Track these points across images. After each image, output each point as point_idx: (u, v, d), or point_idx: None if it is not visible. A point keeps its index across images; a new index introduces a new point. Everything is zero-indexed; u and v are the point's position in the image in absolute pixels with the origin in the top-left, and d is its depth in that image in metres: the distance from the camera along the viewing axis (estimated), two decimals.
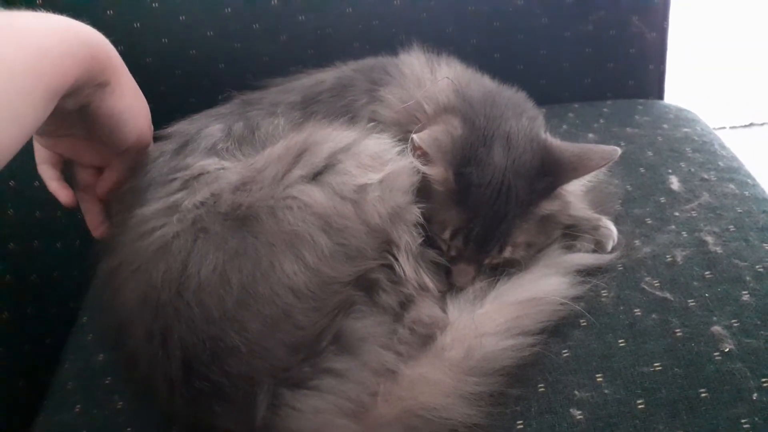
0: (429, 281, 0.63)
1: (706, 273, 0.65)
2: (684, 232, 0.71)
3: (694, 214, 0.73)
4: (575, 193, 0.68)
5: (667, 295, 0.64)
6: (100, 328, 0.74)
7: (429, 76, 0.72)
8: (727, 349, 0.57)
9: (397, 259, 0.60)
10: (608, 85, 1.04)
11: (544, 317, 0.61)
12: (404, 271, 0.61)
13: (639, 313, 0.62)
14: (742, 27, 2.14)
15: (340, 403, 0.54)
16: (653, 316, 0.62)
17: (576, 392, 0.57)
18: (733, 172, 0.81)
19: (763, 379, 0.55)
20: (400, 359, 0.57)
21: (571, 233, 0.69)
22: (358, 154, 0.61)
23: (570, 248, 0.68)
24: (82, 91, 0.55)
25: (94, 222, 0.70)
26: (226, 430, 0.55)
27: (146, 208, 0.61)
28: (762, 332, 0.58)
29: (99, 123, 0.60)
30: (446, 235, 0.65)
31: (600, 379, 0.58)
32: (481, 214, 0.63)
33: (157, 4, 0.95)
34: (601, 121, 0.96)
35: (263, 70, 0.79)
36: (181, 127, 0.71)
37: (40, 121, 0.50)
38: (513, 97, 0.71)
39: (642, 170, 0.82)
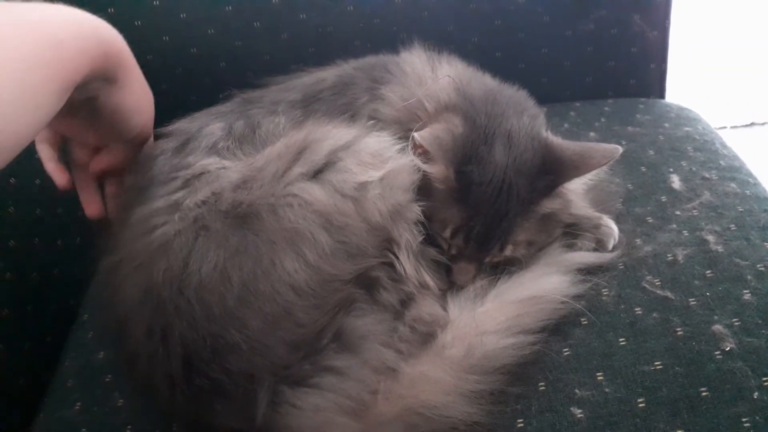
0: (429, 279, 0.63)
1: (707, 272, 0.65)
2: (685, 231, 0.70)
3: (696, 213, 0.73)
4: (576, 191, 0.68)
5: (668, 293, 0.64)
6: (101, 326, 0.74)
7: (430, 75, 0.72)
8: (728, 348, 0.57)
9: (397, 257, 0.60)
10: (609, 83, 1.04)
11: (544, 316, 0.61)
12: (405, 269, 0.61)
13: (640, 312, 0.62)
14: (743, 27, 2.14)
15: (340, 401, 0.54)
16: (654, 314, 0.62)
17: (576, 391, 0.57)
18: (734, 171, 0.81)
19: (764, 378, 0.55)
20: (400, 357, 0.57)
21: (572, 232, 0.69)
22: (359, 151, 0.61)
23: (571, 247, 0.68)
24: (90, 85, 0.55)
25: (89, 199, 0.70)
26: (227, 428, 0.55)
27: (147, 206, 0.61)
28: (763, 331, 0.58)
29: (103, 115, 0.60)
30: (447, 233, 0.65)
31: (601, 378, 0.58)
32: (482, 212, 0.63)
33: (158, 2, 0.95)
34: (603, 120, 0.96)
35: (264, 68, 0.78)
36: (182, 126, 0.71)
37: (53, 113, 0.50)
38: (514, 95, 0.71)
39: (643, 169, 0.82)
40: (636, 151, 0.86)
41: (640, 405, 0.55)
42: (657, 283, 0.65)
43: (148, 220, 0.60)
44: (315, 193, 0.58)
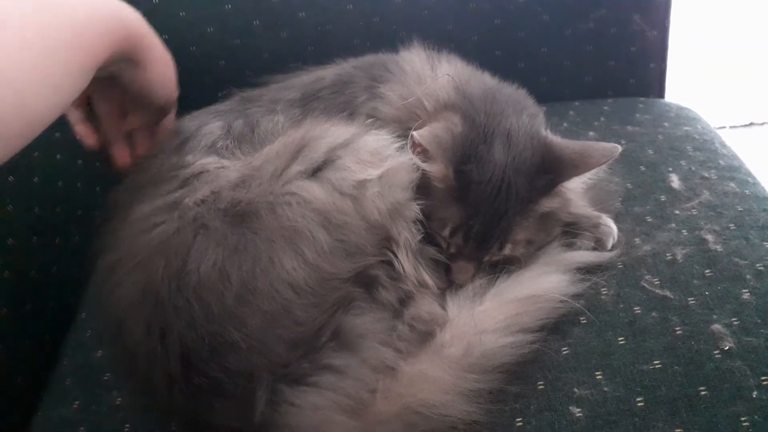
0: (428, 278, 0.63)
1: (707, 271, 0.65)
2: (684, 231, 0.70)
3: (695, 213, 0.73)
4: (575, 190, 0.68)
5: (667, 293, 0.63)
6: (99, 325, 0.74)
7: (429, 73, 0.72)
8: (727, 348, 0.57)
9: (396, 256, 0.60)
10: (609, 83, 1.04)
11: (543, 315, 0.61)
12: (404, 268, 0.61)
13: (639, 311, 0.62)
14: (742, 27, 2.14)
15: (339, 399, 0.54)
16: (653, 314, 0.62)
17: (575, 390, 0.57)
18: (733, 170, 0.80)
19: (763, 378, 0.55)
20: (399, 356, 0.57)
21: (571, 231, 0.69)
22: (358, 150, 0.61)
23: (570, 246, 0.68)
24: (113, 66, 0.56)
25: (119, 152, 0.71)
26: (226, 427, 0.55)
27: (146, 204, 0.61)
28: (762, 331, 0.58)
29: (127, 91, 0.62)
30: (446, 232, 0.65)
31: (599, 377, 0.57)
32: (481, 211, 0.63)
33: (157, 0, 0.95)
34: (602, 119, 0.96)
35: (263, 67, 0.78)
36: (181, 124, 0.71)
37: (75, 95, 0.51)
38: (513, 94, 0.71)
39: (642, 168, 0.82)
40: (635, 150, 0.85)
41: (639, 404, 0.55)
42: (656, 283, 0.65)
43: (147, 218, 0.60)
44: (314, 191, 0.58)
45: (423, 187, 0.63)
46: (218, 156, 0.65)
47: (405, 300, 0.61)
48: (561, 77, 1.04)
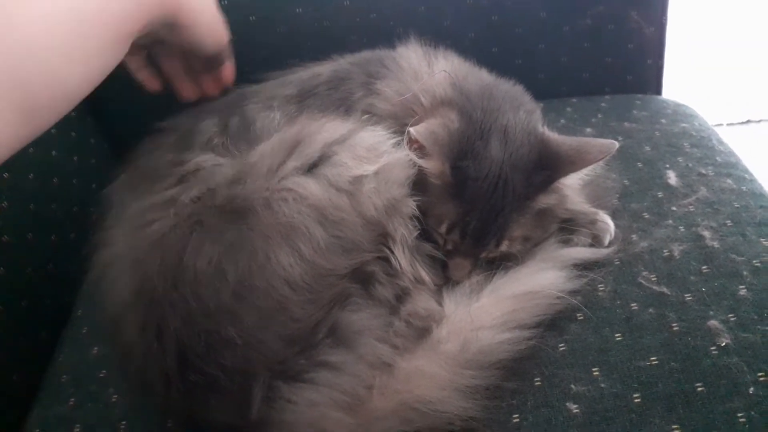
0: (425, 274, 0.63)
1: (703, 268, 0.65)
2: (681, 227, 0.70)
3: (692, 209, 0.73)
4: (572, 187, 0.68)
5: (664, 289, 0.63)
6: (95, 321, 0.74)
7: (426, 69, 0.72)
8: (723, 344, 0.57)
9: (393, 252, 0.60)
10: (606, 79, 1.04)
11: (540, 311, 0.61)
12: (400, 264, 0.60)
13: (636, 308, 0.62)
14: (740, 25, 2.14)
15: (335, 396, 0.54)
16: (650, 310, 0.62)
17: (572, 386, 0.57)
18: (730, 167, 0.80)
19: (760, 374, 0.55)
20: (396, 352, 0.57)
21: (568, 227, 0.69)
22: (354, 145, 0.61)
23: (567, 242, 0.68)
24: (153, 32, 0.57)
25: (182, 86, 0.73)
26: (222, 423, 0.55)
27: (142, 201, 0.61)
28: (759, 327, 0.58)
29: (175, 49, 0.64)
30: (443, 228, 0.65)
31: (596, 373, 0.57)
32: (478, 207, 0.63)
33: None
34: (599, 115, 0.96)
35: (260, 62, 0.78)
36: (177, 121, 0.71)
37: (109, 65, 0.51)
38: (510, 90, 0.71)
39: (639, 165, 0.82)
40: (632, 147, 0.85)
41: (636, 400, 0.55)
42: (653, 279, 0.65)
43: (143, 215, 0.60)
44: (310, 187, 0.58)
45: (419, 184, 0.63)
46: (214, 153, 0.65)
47: (402, 296, 0.61)
48: (558, 74, 1.04)
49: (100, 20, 0.48)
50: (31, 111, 0.45)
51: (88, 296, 0.80)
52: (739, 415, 0.52)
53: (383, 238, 0.60)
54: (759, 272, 0.63)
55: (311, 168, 0.59)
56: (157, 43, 0.63)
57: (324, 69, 0.76)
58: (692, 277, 0.64)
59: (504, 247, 0.65)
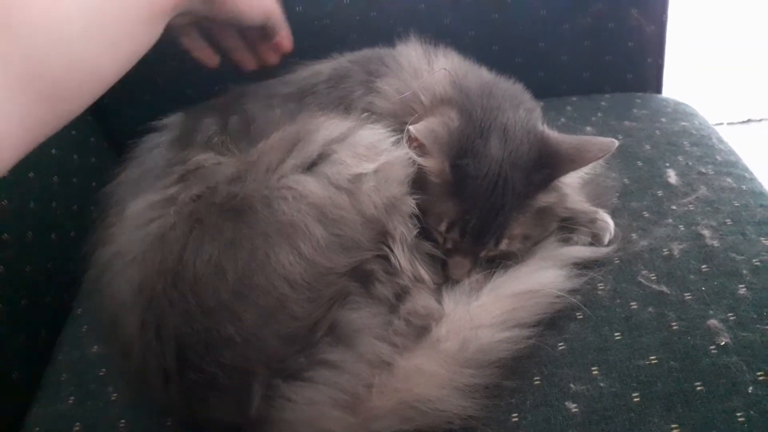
0: (424, 273, 0.63)
1: (703, 266, 0.65)
2: (681, 226, 0.70)
3: (692, 208, 0.73)
4: (572, 185, 0.68)
5: (664, 288, 0.63)
6: (95, 320, 0.74)
7: (426, 68, 0.72)
8: (723, 343, 0.57)
9: (392, 250, 0.60)
10: (607, 78, 1.04)
11: (540, 310, 0.61)
12: (399, 263, 0.60)
13: (635, 307, 0.62)
14: (740, 24, 2.14)
15: (334, 394, 0.54)
16: (650, 309, 0.62)
17: (571, 385, 0.57)
18: (730, 166, 0.80)
19: (759, 373, 0.55)
20: (395, 351, 0.57)
21: (568, 226, 0.69)
22: (353, 144, 0.61)
23: (567, 241, 0.68)
24: (193, 10, 0.57)
25: (242, 58, 0.74)
26: (221, 422, 0.55)
27: (142, 200, 0.61)
28: (758, 326, 0.58)
29: (221, 22, 0.64)
30: (442, 227, 0.64)
31: (596, 372, 0.57)
32: (478, 206, 0.63)
33: None
34: (599, 114, 0.96)
35: None
36: (177, 119, 0.71)
37: (143, 46, 0.51)
38: (510, 88, 0.71)
39: (639, 163, 0.82)
40: (632, 145, 0.85)
41: (635, 399, 0.55)
42: (653, 278, 0.65)
43: (143, 213, 0.60)
44: (309, 185, 0.57)
45: (419, 182, 0.63)
46: (214, 152, 0.65)
47: (401, 295, 0.61)
48: (558, 72, 1.04)
49: (127, 2, 0.47)
50: (58, 98, 0.44)
51: (87, 295, 0.80)
52: (738, 414, 0.52)
53: (383, 236, 0.60)
54: (759, 271, 0.63)
55: (311, 166, 0.59)
56: (204, 20, 0.62)
57: (324, 67, 0.76)
58: (692, 276, 0.64)
59: (504, 245, 0.65)
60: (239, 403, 0.54)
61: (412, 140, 0.63)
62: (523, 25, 1.00)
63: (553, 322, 0.61)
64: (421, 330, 0.59)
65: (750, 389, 0.54)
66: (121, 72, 0.49)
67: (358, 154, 0.60)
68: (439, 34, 0.77)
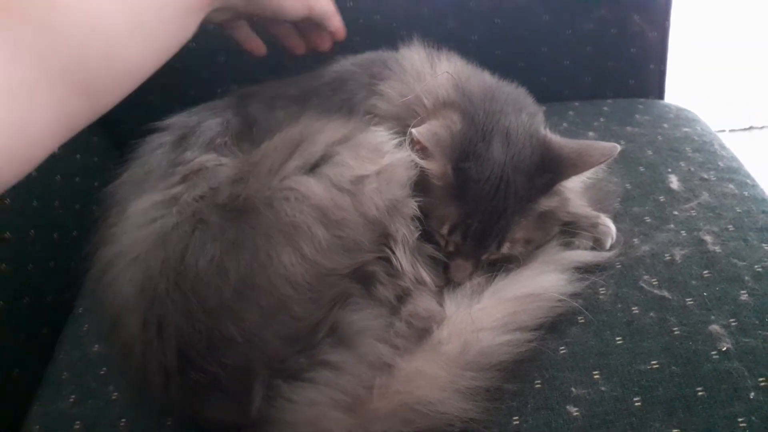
0: (426, 275, 0.63)
1: (705, 272, 0.65)
2: (683, 231, 0.70)
3: (694, 214, 0.73)
4: (574, 189, 0.68)
5: (666, 293, 0.63)
6: (96, 319, 0.74)
7: (429, 71, 0.72)
8: (724, 348, 0.57)
9: (394, 253, 0.60)
10: (609, 83, 1.04)
11: (541, 313, 0.60)
12: (401, 265, 0.60)
13: (637, 311, 0.62)
14: (743, 31, 2.14)
15: (335, 395, 0.54)
16: (651, 314, 0.62)
17: (573, 389, 0.57)
18: (732, 172, 0.80)
19: (761, 379, 0.55)
20: (396, 352, 0.57)
21: (570, 230, 0.69)
22: (356, 145, 0.61)
23: (568, 245, 0.68)
24: (230, 6, 0.57)
25: (291, 43, 0.74)
26: (221, 421, 0.55)
27: (145, 199, 0.61)
28: (760, 332, 0.58)
29: (263, 18, 0.65)
30: (444, 230, 0.64)
31: (597, 377, 0.57)
32: (480, 209, 0.63)
33: None
34: (602, 119, 0.96)
35: (263, 63, 0.78)
36: (180, 120, 0.71)
37: (178, 42, 0.51)
38: (513, 92, 0.71)
39: (641, 169, 0.82)
40: (634, 151, 0.85)
41: (636, 404, 0.55)
42: (654, 283, 0.65)
43: (145, 213, 0.60)
44: (312, 186, 0.57)
45: (421, 185, 0.63)
46: (217, 153, 0.65)
47: (402, 297, 0.61)
48: (561, 77, 1.04)
49: None
50: (93, 91, 0.45)
51: (89, 294, 0.80)
52: (740, 419, 0.52)
53: (384, 238, 0.60)
54: (760, 277, 0.63)
55: (313, 168, 0.59)
56: (245, 15, 0.63)
57: (327, 70, 0.76)
58: (693, 282, 0.64)
59: (505, 249, 0.65)
60: (240, 403, 0.54)
61: (414, 143, 0.63)
62: (525, 30, 1.00)
63: (554, 325, 0.61)
64: (422, 332, 0.59)
65: (751, 395, 0.54)
66: (155, 66, 0.50)
67: (360, 156, 0.60)
68: (442, 38, 0.77)
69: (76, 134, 0.69)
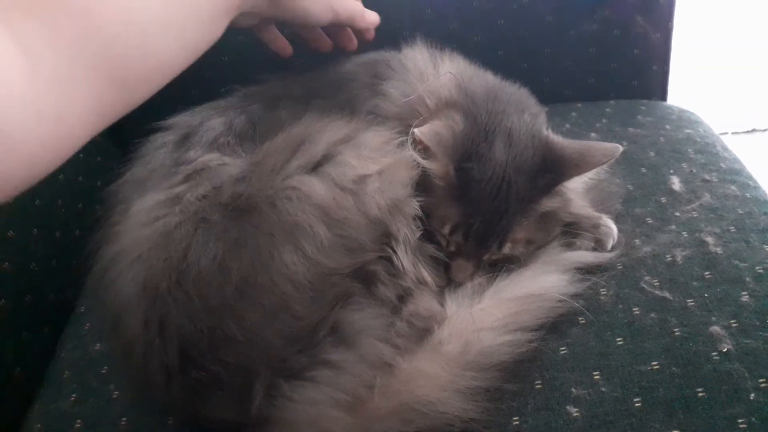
0: (427, 275, 0.63)
1: (706, 273, 0.65)
2: (684, 233, 0.70)
3: (695, 215, 0.73)
4: (576, 190, 0.68)
5: (667, 294, 0.63)
6: (98, 317, 0.74)
7: (432, 71, 0.72)
8: (725, 349, 0.57)
9: (395, 252, 0.60)
10: (612, 85, 1.04)
11: (542, 314, 0.60)
12: (403, 264, 0.60)
13: (638, 312, 0.62)
14: (747, 36, 2.14)
15: (336, 395, 0.54)
16: (652, 315, 0.62)
17: (573, 389, 0.57)
18: (734, 173, 0.80)
19: (761, 380, 0.55)
20: (397, 352, 0.57)
21: (571, 231, 0.69)
22: (358, 145, 0.61)
23: (570, 246, 0.68)
24: (257, 10, 0.58)
25: (318, 40, 0.76)
26: (222, 420, 0.55)
27: (148, 198, 0.61)
28: (760, 333, 0.58)
29: (289, 22, 0.66)
30: (446, 230, 0.65)
31: (597, 377, 0.57)
32: (481, 209, 0.63)
33: None
34: (604, 120, 0.96)
35: (266, 63, 0.78)
36: (183, 119, 0.71)
37: (207, 41, 0.52)
38: (515, 93, 0.71)
39: (643, 170, 0.82)
40: (636, 152, 0.85)
41: (637, 405, 0.55)
42: (655, 284, 0.65)
43: (148, 212, 0.60)
44: (314, 186, 0.58)
45: (423, 185, 0.63)
46: (220, 152, 0.65)
47: (404, 297, 0.61)
48: (563, 78, 1.04)
49: None
50: (127, 84, 0.45)
51: (91, 293, 0.80)
52: (740, 421, 0.52)
53: (386, 237, 0.60)
54: (761, 279, 0.63)
55: (315, 167, 0.59)
56: (271, 20, 0.64)
57: (330, 70, 0.76)
58: (695, 283, 0.64)
59: (507, 249, 0.65)
60: (241, 402, 0.54)
61: (416, 143, 0.63)
62: (528, 31, 1.00)
63: (555, 326, 0.61)
64: (423, 332, 0.59)
65: (752, 396, 0.54)
66: (184, 65, 0.51)
67: (362, 155, 0.60)
68: (445, 39, 0.77)
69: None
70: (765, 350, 0.57)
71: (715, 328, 0.59)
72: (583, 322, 0.62)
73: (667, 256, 0.68)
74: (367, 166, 0.60)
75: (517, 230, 0.64)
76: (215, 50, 0.98)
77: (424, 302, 0.61)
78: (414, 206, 0.62)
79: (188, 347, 0.54)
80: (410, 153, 0.63)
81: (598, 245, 0.69)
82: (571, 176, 0.64)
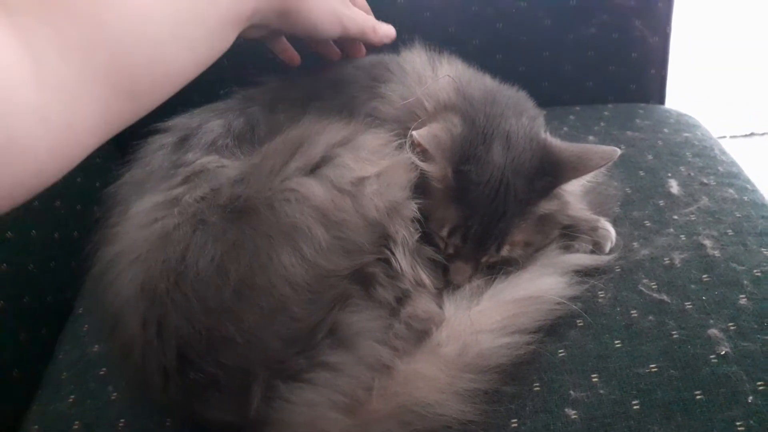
0: (425, 277, 0.63)
1: (704, 276, 0.65)
2: (682, 236, 0.71)
3: (693, 218, 0.73)
4: (574, 193, 0.68)
5: (665, 297, 0.64)
6: (96, 318, 0.74)
7: (430, 74, 0.72)
8: (723, 352, 0.57)
9: (393, 254, 0.60)
10: (610, 88, 1.05)
11: (540, 316, 0.61)
12: (401, 266, 0.60)
13: (636, 315, 0.62)
14: (746, 38, 2.15)
15: (334, 396, 0.54)
16: (650, 317, 0.62)
17: (571, 392, 0.57)
18: (732, 177, 0.81)
19: (759, 383, 0.55)
20: (395, 354, 0.57)
21: (570, 233, 0.69)
22: (356, 147, 0.61)
23: (568, 248, 0.68)
24: (266, 22, 0.59)
25: (326, 50, 0.76)
26: (220, 422, 0.55)
27: (147, 199, 0.61)
28: (758, 336, 0.58)
29: (295, 35, 0.66)
30: (444, 232, 0.65)
31: (595, 380, 0.57)
32: (480, 212, 0.63)
33: None
34: (602, 124, 0.96)
35: (265, 65, 0.78)
36: (182, 121, 0.71)
37: (216, 52, 0.52)
38: (513, 96, 0.71)
39: (642, 173, 0.82)
40: (635, 155, 0.86)
41: (635, 407, 0.55)
42: (653, 287, 0.65)
43: (146, 214, 0.60)
44: (312, 188, 0.58)
45: (421, 187, 0.64)
46: (218, 155, 0.65)
47: (402, 298, 0.61)
48: (562, 82, 1.04)
49: (207, 7, 0.49)
50: (136, 94, 0.46)
51: (89, 294, 0.80)
52: (738, 423, 0.52)
53: (384, 239, 0.60)
54: (759, 281, 0.63)
55: (314, 169, 0.59)
56: (280, 33, 0.64)
57: (329, 73, 0.76)
58: (693, 286, 0.64)
59: (505, 251, 0.65)
60: (239, 404, 0.54)
61: (415, 145, 0.63)
62: (527, 35, 1.00)
63: (553, 328, 0.62)
64: (421, 334, 0.59)
65: (750, 399, 0.54)
66: (192, 76, 0.51)
67: (361, 157, 0.60)
68: (443, 42, 0.77)
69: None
70: (763, 353, 0.57)
71: (713, 331, 0.59)
72: (581, 324, 0.63)
73: (665, 259, 0.68)
74: (366, 169, 0.60)
75: (515, 233, 0.64)
76: None
77: (423, 304, 0.61)
78: (412, 208, 0.62)
79: (186, 348, 0.54)
80: (408, 155, 0.63)
81: (596, 248, 0.69)
82: (569, 179, 0.64)
